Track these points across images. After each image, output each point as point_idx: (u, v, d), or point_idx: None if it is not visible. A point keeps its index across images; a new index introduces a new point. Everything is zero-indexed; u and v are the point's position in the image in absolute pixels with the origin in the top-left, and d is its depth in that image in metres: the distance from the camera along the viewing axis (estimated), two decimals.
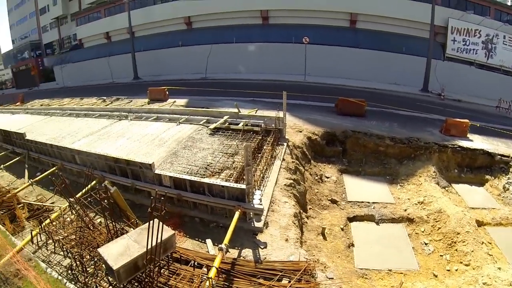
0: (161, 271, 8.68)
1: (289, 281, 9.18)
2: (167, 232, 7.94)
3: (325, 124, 18.65)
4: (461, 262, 13.77)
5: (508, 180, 20.58)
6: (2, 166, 19.53)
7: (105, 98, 35.50)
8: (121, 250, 7.79)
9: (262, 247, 10.17)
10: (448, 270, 13.60)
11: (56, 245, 10.96)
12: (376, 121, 21.27)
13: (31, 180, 16.45)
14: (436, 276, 13.07)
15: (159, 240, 7.53)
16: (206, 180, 11.28)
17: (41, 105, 39.53)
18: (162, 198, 7.54)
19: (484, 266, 13.35)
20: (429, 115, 25.40)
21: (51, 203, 14.81)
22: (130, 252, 7.73)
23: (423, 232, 15.10)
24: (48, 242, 11.42)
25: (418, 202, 16.28)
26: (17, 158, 20.78)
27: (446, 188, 18.39)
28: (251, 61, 36.80)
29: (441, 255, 14.15)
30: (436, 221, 15.30)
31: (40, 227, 11.51)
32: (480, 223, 16.31)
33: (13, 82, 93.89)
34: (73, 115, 27.92)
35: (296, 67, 32.12)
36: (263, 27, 39.40)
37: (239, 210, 10.39)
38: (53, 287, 8.91)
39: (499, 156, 21.19)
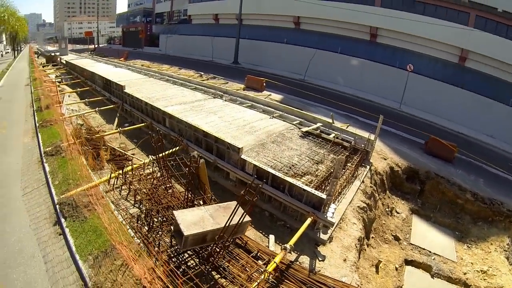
0: (223, 251, 9.11)
1: None
2: (244, 217, 8.35)
3: (410, 159, 18.18)
4: None
5: None
6: (97, 108, 22.03)
7: (202, 73, 37.50)
8: (195, 220, 8.51)
9: (320, 259, 10.51)
10: None
11: (130, 193, 12.10)
12: (462, 171, 20.16)
13: (120, 128, 18.26)
14: None
15: (235, 222, 8.10)
16: (289, 178, 11.76)
17: (142, 65, 42.84)
18: (248, 182, 8.00)
19: None
20: None
21: (131, 154, 16.30)
22: (203, 224, 8.44)
23: None
24: (122, 187, 12.61)
25: (481, 271, 15.12)
26: (112, 106, 23.37)
27: None
28: (351, 75, 36.46)
29: None
30: None
31: (120, 172, 12.77)
32: None
33: (120, 40, 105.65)
34: (170, 81, 30.02)
35: (393, 92, 31.22)
36: (369, 44, 38.76)
37: (312, 217, 10.83)
38: (115, 228, 9.53)
39: None
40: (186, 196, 10.80)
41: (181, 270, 8.51)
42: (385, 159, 17.08)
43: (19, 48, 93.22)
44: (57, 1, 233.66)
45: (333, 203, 12.02)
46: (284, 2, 47.07)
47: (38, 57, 68.45)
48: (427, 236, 15.95)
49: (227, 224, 8.09)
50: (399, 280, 13.09)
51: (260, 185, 8.98)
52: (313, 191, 11.13)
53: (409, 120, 25.56)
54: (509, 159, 27.92)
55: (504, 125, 31.24)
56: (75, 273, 8.77)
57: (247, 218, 8.70)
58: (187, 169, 11.82)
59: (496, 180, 21.54)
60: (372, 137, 15.94)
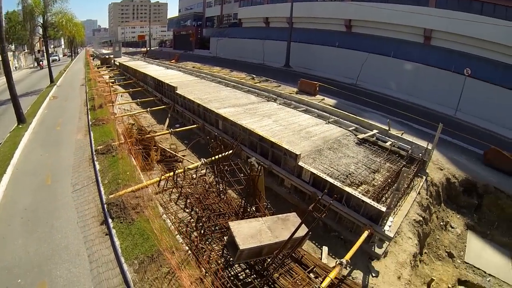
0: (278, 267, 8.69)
1: None
2: (303, 230, 7.84)
3: (468, 170, 16.85)
4: None
5: None
6: (148, 108, 22.37)
7: (254, 76, 37.11)
8: (252, 232, 7.98)
9: (374, 275, 9.95)
10: None
11: (180, 196, 11.55)
12: None
13: (171, 129, 18.17)
14: None
15: (295, 236, 7.51)
16: (347, 188, 11.22)
17: (193, 67, 43.33)
18: (318, 197, 7.40)
19: None
20: None
21: (182, 156, 16.05)
22: (260, 238, 7.89)
23: None
24: (172, 190, 12.14)
25: None
26: (163, 106, 23.66)
27: None
28: (404, 80, 34.41)
29: None
30: None
31: (171, 173, 12.31)
32: None
33: (171, 43, 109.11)
34: (222, 83, 29.80)
35: (449, 98, 29.00)
36: (423, 47, 36.29)
37: (369, 230, 10.26)
38: (163, 234, 9.17)
39: None
40: (241, 205, 10.38)
41: (230, 284, 7.94)
42: (441, 170, 15.95)
43: (76, 51, 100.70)
44: (112, 8, 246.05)
45: (390, 215, 11.50)
46: (335, 5, 45.61)
47: (93, 59, 72.14)
48: (482, 255, 14.62)
49: (288, 239, 7.64)
50: None
51: (323, 199, 8.55)
52: (372, 203, 10.55)
53: (465, 128, 23.69)
54: None
55: None
56: (119, 276, 8.45)
57: (305, 230, 8.09)
58: (242, 175, 11.55)
59: None
60: (430, 146, 14.89)
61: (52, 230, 10.33)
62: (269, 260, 8.30)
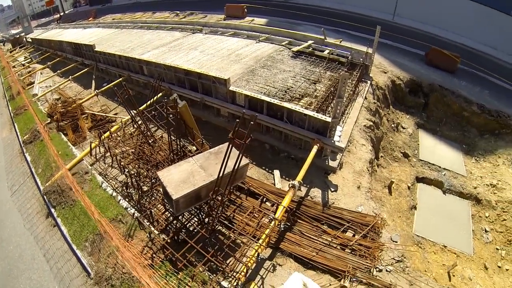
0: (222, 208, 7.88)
1: (354, 235, 8.45)
2: (242, 161, 6.77)
3: (411, 71, 16.44)
4: None
5: None
6: (70, 77, 19.75)
7: (178, 12, 34.32)
8: (183, 177, 6.88)
9: (332, 189, 9.22)
10: (499, 267, 12.59)
11: (113, 159, 10.64)
12: (467, 83, 18.52)
13: (96, 90, 16.37)
14: (486, 269, 12.16)
15: (230, 170, 6.45)
16: (287, 104, 10.04)
17: (113, 19, 39.51)
18: (237, 120, 6.24)
19: None
20: None
21: (114, 114, 14.56)
22: (194, 180, 6.83)
23: (487, 217, 13.84)
24: (106, 155, 11.18)
25: (490, 184, 14.68)
26: (86, 70, 20.87)
27: None
28: None
29: (497, 248, 13.05)
30: (504, 212, 13.90)
31: (99, 139, 11.12)
32: None
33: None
34: (145, 27, 27.12)
35: (384, 4, 27.94)
36: None
37: (318, 144, 9.24)
38: (104, 203, 8.86)
39: None
40: (171, 147, 9.07)
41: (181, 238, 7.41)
42: (385, 73, 15.27)
43: None
44: None
45: (338, 125, 10.42)
46: None
47: (4, 44, 63.54)
48: (435, 151, 14.83)
49: (220, 175, 6.44)
50: (412, 200, 12.14)
51: (256, 116, 7.26)
52: (316, 115, 9.44)
53: (405, 31, 23.29)
54: None
55: (508, 36, 28.93)
56: (77, 264, 7.87)
57: (244, 161, 7.09)
58: (171, 116, 10.29)
59: (503, 92, 20.05)
60: (370, 50, 13.90)
61: (2, 244, 9.38)
62: (211, 202, 7.07)
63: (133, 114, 11.23)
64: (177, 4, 41.42)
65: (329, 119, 9.11)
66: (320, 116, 9.33)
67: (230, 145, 6.20)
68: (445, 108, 16.49)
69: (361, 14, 26.37)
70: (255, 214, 8.05)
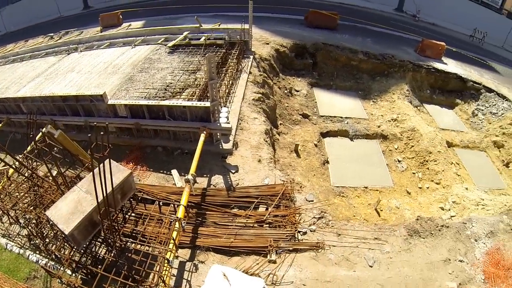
0: (126, 217, 7.53)
1: (267, 208, 8.44)
2: (122, 173, 6.43)
3: (294, 36, 16.95)
4: (432, 181, 13.90)
5: (477, 106, 20.71)
6: None
7: (52, 34, 31.54)
8: (71, 208, 6.32)
9: (233, 171, 9.13)
10: (420, 188, 13.67)
11: (8, 214, 9.35)
12: (349, 35, 19.64)
13: None
14: (409, 193, 13.08)
15: (111, 185, 5.89)
16: (165, 102, 9.73)
17: None
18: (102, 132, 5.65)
19: (453, 186, 13.55)
20: (404, 34, 23.86)
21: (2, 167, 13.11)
22: (82, 208, 6.31)
23: (396, 149, 14.88)
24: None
25: (392, 119, 15.82)
26: None
27: (418, 108, 18.17)
28: None
29: (413, 173, 14.20)
30: (410, 139, 15.16)
31: None
32: (449, 144, 16.51)
33: None
34: (17, 60, 24.65)
35: None
36: None
37: (205, 131, 9.04)
38: (14, 265, 8.02)
39: (471, 83, 21.16)
40: (57, 182, 8.22)
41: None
42: (268, 44, 15.58)
43: None
44: None
45: (224, 106, 10.22)
46: None
47: None
48: (333, 104, 15.48)
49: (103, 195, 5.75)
50: (322, 155, 12.58)
51: (107, 123, 6.65)
52: (194, 103, 9.25)
53: (285, 1, 23.91)
54: (389, 18, 28.62)
55: None
56: None
57: (125, 172, 6.63)
58: (56, 149, 9.33)
59: (382, 37, 21.73)
60: (246, 25, 13.95)
61: None
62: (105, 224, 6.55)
63: (18, 159, 10.08)
64: (50, 26, 38.19)
65: (208, 104, 8.93)
66: (198, 103, 9.16)
67: (103, 162, 5.64)
68: (334, 63, 17.30)
69: None
70: (163, 220, 7.69)
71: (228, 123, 9.30)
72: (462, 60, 23.47)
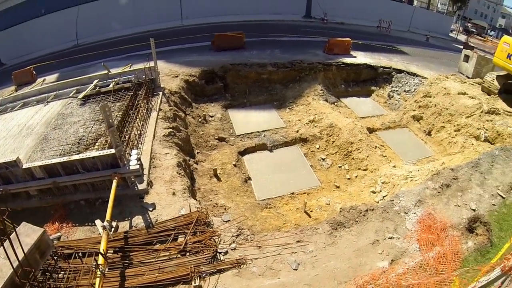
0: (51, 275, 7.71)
1: (185, 237, 8.85)
2: (36, 232, 6.69)
3: (202, 63, 17.83)
4: (359, 168, 14.73)
5: (391, 88, 22.85)
6: None
7: None
8: None
9: (151, 209, 9.72)
10: (349, 179, 14.43)
11: None
12: (257, 51, 20.87)
13: None
14: (338, 187, 13.75)
15: (27, 247, 6.26)
16: (75, 156, 10.15)
17: None
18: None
19: (381, 167, 14.44)
20: (312, 38, 25.58)
21: None
22: (2, 274, 6.39)
23: (318, 149, 15.56)
24: None
25: (309, 121, 16.62)
26: None
27: (335, 103, 19.29)
28: (124, 15, 32.10)
29: (339, 166, 14.96)
30: (329, 136, 15.91)
31: None
32: (371, 130, 17.68)
33: None
34: None
35: (172, 12, 29.26)
36: None
37: (116, 177, 9.56)
38: None
39: (381, 68, 23.09)
40: None
41: None
42: (177, 76, 16.34)
43: None
44: None
45: (134, 148, 10.82)
46: None
47: None
48: (249, 120, 16.35)
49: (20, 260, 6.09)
50: (243, 173, 13.23)
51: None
52: (100, 153, 9.77)
53: (195, 30, 24.93)
54: (298, 26, 30.82)
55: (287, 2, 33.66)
56: None
57: (37, 232, 6.78)
58: None
59: (291, 45, 23.36)
60: (151, 63, 14.69)
61: None
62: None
63: None
64: None
65: (113, 151, 9.49)
66: (105, 152, 9.70)
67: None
68: (245, 80, 18.36)
69: (151, 30, 26.88)
70: (93, 271, 7.88)
71: (138, 164, 9.86)
72: (371, 50, 25.68)
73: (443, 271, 8.00)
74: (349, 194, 13.37)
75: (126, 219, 9.47)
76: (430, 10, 57.86)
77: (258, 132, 15.46)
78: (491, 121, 17.42)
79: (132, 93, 13.62)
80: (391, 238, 9.07)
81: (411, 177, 13.63)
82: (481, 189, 12.11)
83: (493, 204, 11.52)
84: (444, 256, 8.51)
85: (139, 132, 11.92)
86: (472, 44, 41.60)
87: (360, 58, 23.83)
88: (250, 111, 17.11)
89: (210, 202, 10.82)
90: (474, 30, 70.52)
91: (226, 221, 9.67)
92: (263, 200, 12.19)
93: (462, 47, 31.89)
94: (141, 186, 10.17)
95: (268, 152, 14.76)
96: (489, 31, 77.46)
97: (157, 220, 9.35)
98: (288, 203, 12.43)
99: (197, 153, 13.24)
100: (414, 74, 23.09)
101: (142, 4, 31.53)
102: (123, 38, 27.41)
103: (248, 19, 29.73)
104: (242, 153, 14.19)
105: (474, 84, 23.71)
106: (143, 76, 14.59)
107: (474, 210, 10.86)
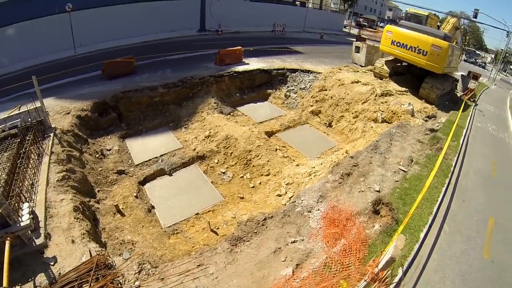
0: None
1: (89, 285, 8.60)
2: None
3: (93, 95, 17.36)
4: (262, 175, 15.35)
5: (288, 88, 24.69)
6: None
7: None
8: None
9: (52, 263, 9.48)
10: (253, 187, 14.86)
11: None
12: (148, 74, 20.97)
13: None
14: (243, 198, 14.06)
15: None
16: None
17: None
18: None
19: (284, 169, 15.18)
20: (205, 51, 26.16)
21: None
22: None
23: (217, 163, 15.96)
24: None
25: (205, 137, 17.09)
26: None
27: (231, 113, 20.19)
28: (12, 48, 27.53)
29: (241, 177, 15.41)
30: (227, 148, 16.40)
31: None
32: (270, 133, 18.61)
33: None
34: None
35: (64, 41, 26.94)
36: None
37: (9, 238, 9.20)
38: None
39: (275, 71, 24.58)
40: None
41: None
42: (69, 113, 15.70)
43: None
44: None
45: (26, 202, 10.66)
46: None
47: None
48: (147, 147, 16.43)
49: None
50: (146, 203, 13.24)
51: None
52: None
53: (88, 59, 23.55)
54: (192, 41, 31.57)
55: (178, 16, 34.54)
56: None
57: None
58: None
59: (183, 62, 23.75)
60: (37, 103, 14.03)
61: None
62: None
63: None
64: None
65: None
66: None
67: None
68: (138, 106, 18.39)
69: (41, 64, 24.81)
70: None
71: (29, 219, 9.54)
72: (265, 54, 27.43)
73: (349, 265, 8.24)
74: (255, 202, 13.55)
75: (30, 280, 8.91)
76: (324, 10, 63.37)
77: (156, 157, 15.50)
78: (386, 102, 19.85)
79: (19, 139, 12.95)
80: (293, 242, 9.18)
81: (314, 173, 14.37)
82: (382, 169, 13.06)
83: (396, 181, 12.44)
84: (349, 248, 8.71)
85: (31, 182, 11.63)
86: (364, 36, 46.18)
87: (253, 64, 25.11)
88: (146, 137, 17.08)
89: (116, 240, 10.79)
90: (366, 24, 79.35)
91: (126, 259, 9.71)
92: (169, 227, 12.19)
93: (355, 39, 34.66)
94: (38, 241, 9.93)
95: (168, 177, 14.78)
96: (379, 23, 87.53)
97: (60, 273, 9.04)
98: (194, 224, 12.52)
99: (98, 191, 13.11)
100: (308, 71, 25.19)
101: (32, 34, 28.75)
102: (11, 75, 25.02)
103: (144, 40, 29.65)
104: (142, 182, 14.16)
105: (367, 71, 26.95)
106: (29, 119, 13.83)
107: (378, 191, 11.50)
